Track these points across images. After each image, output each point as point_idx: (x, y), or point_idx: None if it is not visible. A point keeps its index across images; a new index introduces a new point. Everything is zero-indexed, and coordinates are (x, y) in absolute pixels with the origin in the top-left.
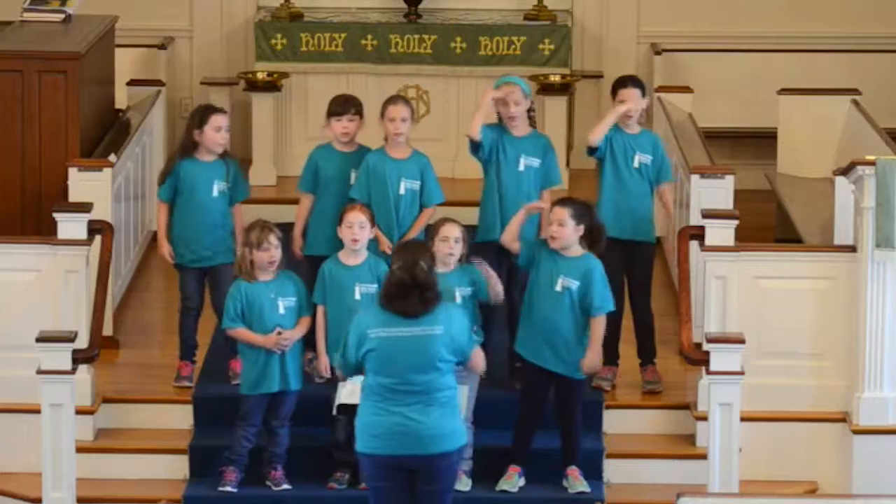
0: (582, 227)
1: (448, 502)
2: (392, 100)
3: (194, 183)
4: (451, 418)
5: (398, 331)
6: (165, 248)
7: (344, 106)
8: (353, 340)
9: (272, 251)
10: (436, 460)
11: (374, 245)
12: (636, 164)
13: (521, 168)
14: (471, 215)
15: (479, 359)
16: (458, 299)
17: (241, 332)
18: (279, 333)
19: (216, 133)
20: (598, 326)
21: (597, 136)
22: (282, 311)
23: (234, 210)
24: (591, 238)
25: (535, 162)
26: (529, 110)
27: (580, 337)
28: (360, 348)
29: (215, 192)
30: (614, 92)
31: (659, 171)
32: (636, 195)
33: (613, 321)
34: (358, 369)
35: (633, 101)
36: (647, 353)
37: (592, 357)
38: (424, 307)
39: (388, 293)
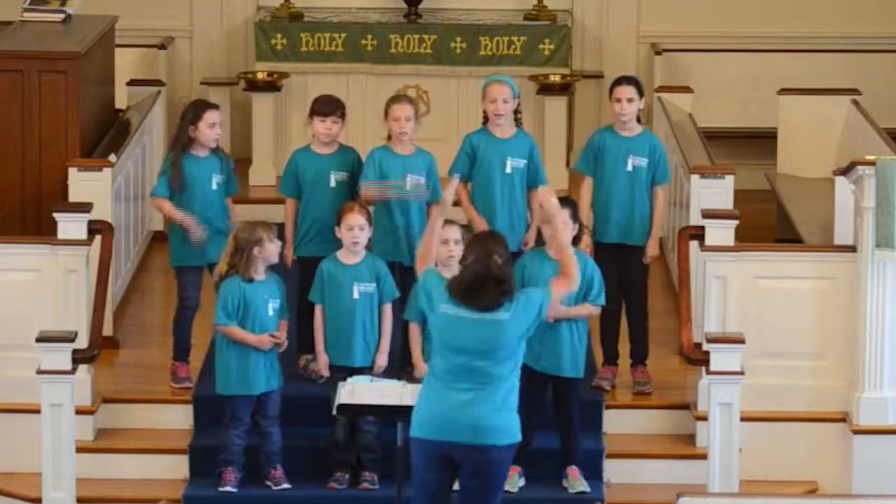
0: (577, 227)
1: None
2: (396, 99)
3: (194, 178)
4: (502, 413)
5: (465, 312)
6: (181, 216)
7: (330, 107)
8: (423, 295)
9: (278, 242)
10: (478, 452)
11: (372, 245)
12: (630, 168)
13: (509, 170)
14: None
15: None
16: None
17: (233, 330)
18: (275, 337)
19: (210, 129)
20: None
21: None
22: (271, 312)
23: (229, 203)
24: (576, 237)
25: (521, 163)
26: (516, 111)
27: (581, 336)
28: (428, 303)
29: (214, 186)
30: (610, 91)
31: (654, 174)
32: (630, 199)
33: (612, 321)
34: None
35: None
36: (638, 354)
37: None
38: (502, 299)
39: (466, 287)
